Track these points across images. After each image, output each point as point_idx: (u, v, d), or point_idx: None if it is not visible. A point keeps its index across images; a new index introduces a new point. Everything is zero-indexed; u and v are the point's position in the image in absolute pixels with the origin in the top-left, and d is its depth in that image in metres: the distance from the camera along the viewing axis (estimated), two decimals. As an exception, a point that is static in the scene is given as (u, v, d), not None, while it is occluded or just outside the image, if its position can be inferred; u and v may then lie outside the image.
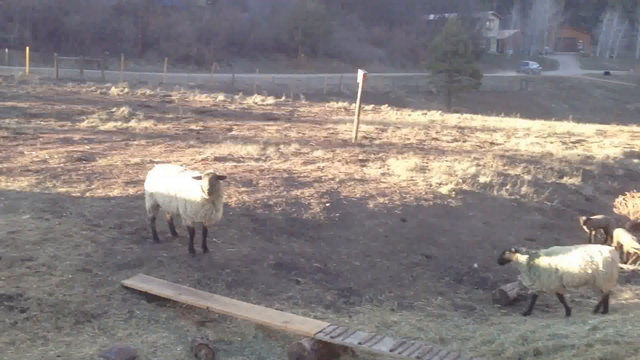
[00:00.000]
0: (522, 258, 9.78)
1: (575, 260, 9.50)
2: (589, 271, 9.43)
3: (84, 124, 21.09)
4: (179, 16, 62.17)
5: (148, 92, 31.89)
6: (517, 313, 10.20)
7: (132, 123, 21.90)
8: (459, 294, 10.96)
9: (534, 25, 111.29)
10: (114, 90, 30.99)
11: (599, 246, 9.81)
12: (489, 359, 7.59)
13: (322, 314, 9.23)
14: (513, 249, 9.95)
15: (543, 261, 9.64)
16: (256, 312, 8.43)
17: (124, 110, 23.95)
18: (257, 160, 16.87)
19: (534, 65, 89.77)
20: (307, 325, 8.13)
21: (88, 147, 17.18)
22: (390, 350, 7.47)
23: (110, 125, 21.10)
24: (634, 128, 34.38)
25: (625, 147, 24.60)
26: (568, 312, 9.86)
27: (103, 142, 18.20)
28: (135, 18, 58.43)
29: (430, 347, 7.69)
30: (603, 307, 9.89)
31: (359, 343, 7.64)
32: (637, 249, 12.90)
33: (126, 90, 31.67)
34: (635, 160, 22.60)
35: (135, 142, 18.61)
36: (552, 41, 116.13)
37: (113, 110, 24.15)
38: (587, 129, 31.74)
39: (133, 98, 29.39)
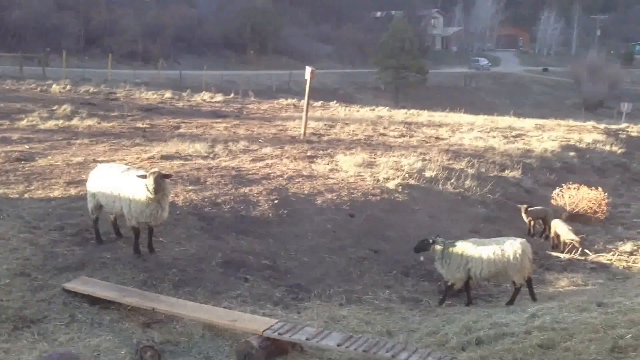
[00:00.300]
0: (437, 247, 10.05)
1: (485, 252, 9.75)
2: (499, 264, 9.68)
3: (23, 123, 20.51)
4: (123, 11, 60.97)
5: (92, 89, 31.18)
6: (462, 304, 10.43)
7: (75, 121, 21.41)
8: (406, 287, 11.15)
9: (476, 23, 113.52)
10: (55, 88, 30.22)
11: (512, 239, 10.02)
12: (434, 350, 7.73)
13: (270, 311, 9.25)
14: (431, 239, 10.19)
15: (455, 252, 9.90)
16: (203, 312, 8.38)
17: (66, 108, 23.40)
18: (205, 158, 16.73)
19: (484, 61, 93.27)
20: (255, 322, 8.14)
21: (27, 147, 16.73)
22: (338, 345, 7.56)
23: (51, 124, 20.60)
24: (571, 122, 35.40)
25: (562, 141, 25.29)
26: (468, 303, 10.19)
27: (43, 142, 17.74)
28: (77, 13, 56.97)
29: (377, 340, 7.80)
30: (511, 298, 10.15)
31: (307, 339, 7.69)
32: (572, 239, 13.34)
33: (68, 87, 30.93)
34: (572, 153, 23.31)
35: (78, 141, 18.21)
36: (494, 38, 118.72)
37: (54, 108, 23.56)
38: (527, 123, 32.48)
39: (76, 95, 28.73)
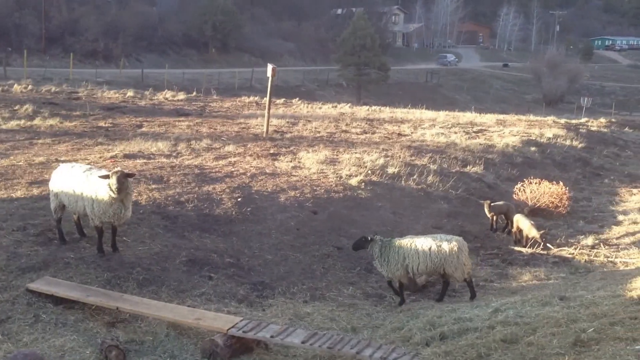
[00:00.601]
0: (376, 246, 10.12)
1: (421, 250, 9.88)
2: (436, 260, 9.82)
3: (-16, 124, 20.17)
4: (84, 10, 60.03)
5: (53, 88, 30.76)
6: (426, 299, 10.59)
7: (37, 121, 21.13)
8: (370, 283, 11.26)
9: (437, 20, 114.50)
10: (16, 88, 29.72)
11: (449, 236, 10.20)
12: (398, 346, 7.85)
13: (235, 308, 9.29)
14: (370, 237, 10.27)
15: (393, 249, 10.00)
16: (168, 310, 8.38)
17: (28, 107, 23.06)
18: (168, 156, 16.64)
19: (451, 57, 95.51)
20: (219, 321, 8.17)
21: (-12, 147, 16.48)
22: (302, 342, 7.64)
23: (13, 124, 20.28)
24: (531, 117, 35.93)
25: (523, 136, 25.63)
26: (401, 303, 10.22)
27: (5, 142, 17.48)
28: (38, 13, 55.87)
29: (342, 336, 7.89)
30: (470, 292, 10.35)
31: (272, 336, 7.75)
32: (534, 236, 13.57)
33: (30, 87, 30.44)
34: (533, 148, 23.61)
35: (40, 141, 17.99)
36: (454, 35, 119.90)
37: (16, 108, 23.22)
38: (488, 118, 32.84)
39: (37, 95, 28.29)
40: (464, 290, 11.14)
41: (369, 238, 10.23)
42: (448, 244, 9.84)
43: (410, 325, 8.76)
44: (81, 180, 9.83)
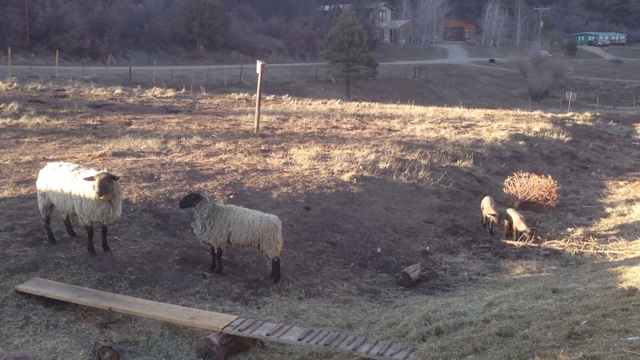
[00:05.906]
0: (206, 206, 10.01)
1: (247, 220, 10.00)
2: (257, 233, 9.95)
3: (-32, 123, 19.91)
4: (68, 7, 59.37)
5: (39, 86, 30.42)
6: (420, 294, 10.55)
7: (23, 119, 20.88)
8: (364, 279, 11.23)
9: (423, 16, 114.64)
10: (1, 86, 29.38)
11: (269, 215, 10.35)
12: (395, 341, 7.80)
13: (230, 306, 9.22)
14: (201, 194, 10.19)
15: (220, 214, 10.01)
16: (162, 310, 8.28)
17: (13, 106, 22.79)
18: (158, 154, 16.51)
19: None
20: (214, 319, 8.09)
21: (-27, 147, 16.25)
22: (299, 340, 7.58)
23: (-2, 122, 20.06)
24: (519, 112, 36.12)
25: (511, 130, 25.76)
26: (219, 270, 10.24)
27: (-10, 141, 17.26)
28: (21, 9, 55.27)
29: (338, 333, 7.84)
30: (275, 273, 10.42)
31: (268, 334, 7.69)
32: (524, 230, 13.60)
33: (15, 85, 30.07)
34: (521, 142, 23.76)
35: (27, 140, 17.79)
36: (441, 31, 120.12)
37: (1, 106, 22.93)
38: (477, 113, 32.95)
39: (23, 93, 27.98)
40: (458, 284, 11.14)
41: (201, 195, 10.16)
42: (268, 220, 10.04)
43: (405, 320, 8.72)
44: (69, 179, 9.71)
